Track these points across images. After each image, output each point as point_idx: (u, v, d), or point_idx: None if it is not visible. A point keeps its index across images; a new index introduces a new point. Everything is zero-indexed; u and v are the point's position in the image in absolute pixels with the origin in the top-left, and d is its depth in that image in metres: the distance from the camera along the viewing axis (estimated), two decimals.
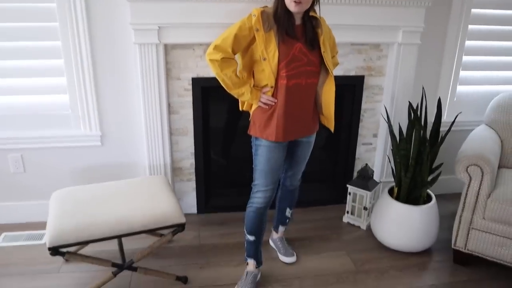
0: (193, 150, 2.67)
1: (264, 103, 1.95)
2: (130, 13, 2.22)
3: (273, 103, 1.94)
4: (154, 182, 2.26)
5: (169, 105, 2.53)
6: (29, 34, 2.35)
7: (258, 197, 2.05)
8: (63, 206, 2.02)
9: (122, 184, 2.24)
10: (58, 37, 2.35)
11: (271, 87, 1.90)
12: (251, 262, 2.20)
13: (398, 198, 2.47)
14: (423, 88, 2.52)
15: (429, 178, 2.39)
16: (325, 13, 2.07)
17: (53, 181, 2.61)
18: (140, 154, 2.61)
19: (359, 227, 2.77)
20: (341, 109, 2.78)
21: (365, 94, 2.75)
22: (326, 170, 3.03)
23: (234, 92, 1.96)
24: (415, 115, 2.36)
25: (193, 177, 2.75)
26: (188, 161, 2.71)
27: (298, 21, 1.90)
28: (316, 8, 1.94)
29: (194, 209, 2.85)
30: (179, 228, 2.03)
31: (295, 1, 1.78)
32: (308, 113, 2.02)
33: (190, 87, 2.51)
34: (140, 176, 2.65)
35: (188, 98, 2.54)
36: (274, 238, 2.51)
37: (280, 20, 1.85)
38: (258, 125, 1.99)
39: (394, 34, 2.57)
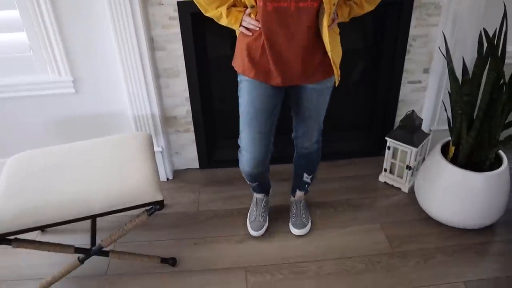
0: (188, 95, 2.12)
1: (246, 28, 1.42)
2: None
3: (257, 29, 1.38)
4: (130, 143, 1.76)
5: (151, 40, 1.95)
6: None
7: (245, 159, 1.64)
8: (13, 178, 1.60)
9: (89, 146, 1.75)
10: None
11: (251, 6, 1.37)
12: (259, 195, 1.98)
13: (455, 160, 1.85)
14: (504, 4, 1.72)
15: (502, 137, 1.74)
16: None
17: (22, 137, 2.19)
18: (123, 101, 2.10)
19: (399, 189, 2.20)
20: (381, 35, 2.08)
21: (415, 15, 2.00)
22: (360, 114, 2.40)
23: (211, 15, 1.48)
24: (490, 46, 1.64)
25: (192, 127, 2.24)
26: (184, 108, 2.17)
27: None
28: None
29: (196, 164, 2.38)
30: (155, 206, 1.57)
31: None
32: (305, 51, 1.40)
33: (177, 14, 1.89)
34: (125, 129, 2.18)
35: (176, 29, 1.93)
36: (291, 200, 2.03)
37: None
38: (239, 55, 1.50)
39: None
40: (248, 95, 1.51)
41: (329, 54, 1.38)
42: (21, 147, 2.08)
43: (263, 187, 1.93)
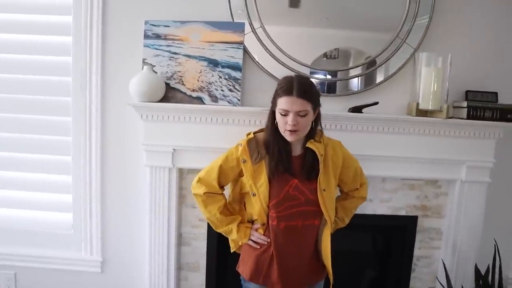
0: None
1: (255, 242, 1.63)
2: (143, 133, 2.00)
3: (265, 243, 1.60)
4: None
5: (180, 236, 2.18)
6: (40, 146, 2.21)
7: None
8: None
9: None
10: (69, 151, 2.16)
11: (263, 224, 1.60)
12: None
13: None
14: (495, 243, 1.95)
15: None
16: (370, 142, 1.81)
17: None
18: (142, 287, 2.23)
19: None
20: (387, 255, 2.26)
21: (418, 238, 2.21)
22: None
23: (221, 231, 1.70)
24: (484, 285, 1.79)
25: None
26: None
27: (297, 150, 1.60)
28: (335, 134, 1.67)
29: None
30: None
31: (289, 130, 1.49)
32: (306, 259, 1.61)
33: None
34: None
35: (203, 230, 2.17)
36: None
37: (271, 151, 1.55)
38: (247, 264, 1.66)
39: (456, 170, 2.10)
40: None
41: (328, 266, 1.58)
42: None
43: None
